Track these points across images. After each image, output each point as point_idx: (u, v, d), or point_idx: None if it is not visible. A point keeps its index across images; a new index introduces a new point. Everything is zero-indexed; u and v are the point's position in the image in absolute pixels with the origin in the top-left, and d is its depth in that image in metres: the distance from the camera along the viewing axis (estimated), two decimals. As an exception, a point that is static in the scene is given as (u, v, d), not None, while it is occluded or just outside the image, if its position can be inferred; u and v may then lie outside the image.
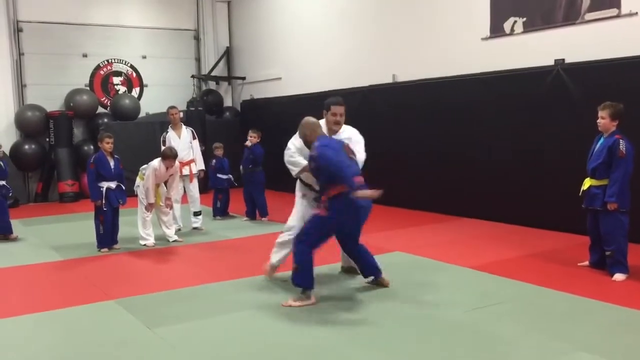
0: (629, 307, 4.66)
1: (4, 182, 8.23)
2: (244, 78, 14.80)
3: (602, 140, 5.62)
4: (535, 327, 4.30)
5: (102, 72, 13.79)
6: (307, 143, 5.10)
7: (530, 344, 4.00)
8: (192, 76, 14.34)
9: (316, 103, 11.47)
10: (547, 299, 4.99)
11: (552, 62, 7.69)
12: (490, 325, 4.39)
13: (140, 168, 7.70)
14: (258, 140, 9.32)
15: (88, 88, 13.51)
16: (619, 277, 5.43)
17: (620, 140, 5.40)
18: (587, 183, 5.68)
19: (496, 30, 8.50)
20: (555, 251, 6.66)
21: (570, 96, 7.45)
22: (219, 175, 9.62)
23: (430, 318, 4.57)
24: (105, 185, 7.19)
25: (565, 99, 7.51)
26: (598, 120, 5.61)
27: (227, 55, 15.17)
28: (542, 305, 4.82)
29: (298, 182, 5.54)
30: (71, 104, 12.88)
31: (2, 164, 8.29)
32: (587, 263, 5.89)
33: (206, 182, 10.10)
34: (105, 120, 13.06)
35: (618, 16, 7.11)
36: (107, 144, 7.28)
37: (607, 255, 5.54)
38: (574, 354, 3.81)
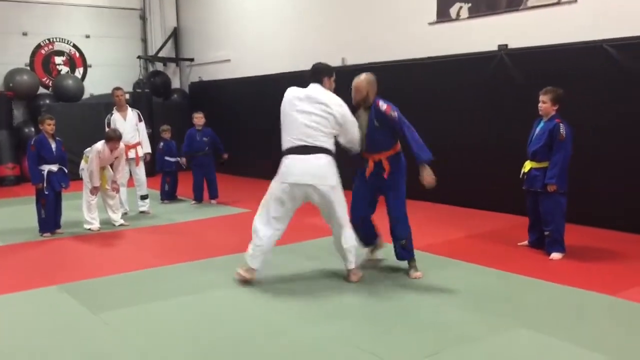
0: (565, 285, 4.86)
1: None
2: (192, 59, 14.55)
3: (542, 124, 5.81)
4: (476, 306, 4.45)
5: (43, 52, 13.32)
6: (364, 102, 5.18)
7: (471, 321, 4.14)
8: (139, 57, 14.01)
9: (266, 85, 11.52)
10: (487, 277, 5.16)
11: (496, 48, 7.88)
12: (432, 304, 4.51)
13: (85, 151, 7.51)
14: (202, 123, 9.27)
15: (28, 68, 13.03)
16: (555, 256, 5.66)
17: (561, 124, 5.60)
18: (528, 165, 5.87)
19: (442, 15, 8.62)
20: (495, 232, 6.88)
21: (513, 81, 7.65)
22: (167, 158, 9.49)
23: (371, 302, 4.66)
24: (46, 168, 6.98)
25: (508, 84, 7.72)
26: (539, 105, 5.79)
27: (175, 36, 14.87)
28: (483, 284, 4.98)
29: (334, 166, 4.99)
30: (11, 85, 12.41)
31: None
32: (526, 243, 6.12)
33: (153, 165, 9.95)
34: (47, 101, 12.64)
35: (559, 3, 7.32)
36: (49, 126, 7.06)
37: (546, 235, 5.76)
38: (514, 330, 3.96)
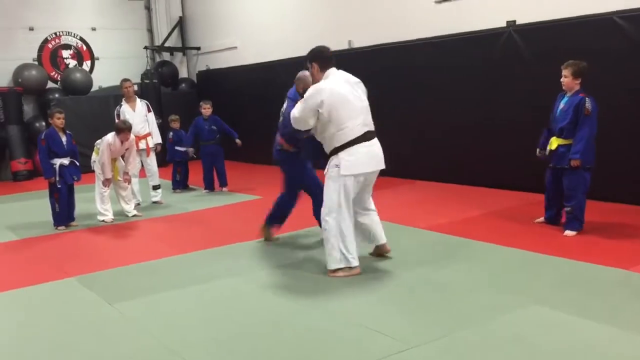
0: (580, 260, 4.83)
1: None
2: (198, 48, 14.52)
3: (565, 99, 5.67)
4: (490, 284, 4.44)
5: (50, 46, 13.35)
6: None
7: (485, 299, 4.13)
8: (145, 47, 13.99)
9: (273, 72, 11.47)
10: (502, 255, 5.14)
11: (504, 24, 7.78)
12: (446, 282, 4.50)
13: (96, 143, 7.55)
14: (210, 111, 9.26)
15: (36, 63, 13.08)
16: (569, 233, 5.61)
17: (586, 98, 5.47)
18: (555, 142, 5.71)
19: (449, -7, 8.52)
20: (509, 209, 6.83)
21: (523, 57, 7.56)
22: (177, 148, 9.51)
23: (387, 278, 4.66)
24: (58, 162, 7.02)
25: (517, 60, 7.62)
26: (562, 79, 5.66)
27: (180, 25, 14.83)
28: (497, 262, 4.97)
29: None
30: (19, 80, 12.46)
31: None
32: (542, 219, 6.06)
33: (164, 155, 9.98)
34: (57, 95, 12.69)
35: (567, -24, 7.20)
36: (58, 120, 7.09)
37: (567, 211, 5.69)
38: (528, 307, 3.95)
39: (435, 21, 8.68)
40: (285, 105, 5.48)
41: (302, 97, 4.88)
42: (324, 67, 4.80)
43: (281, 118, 5.52)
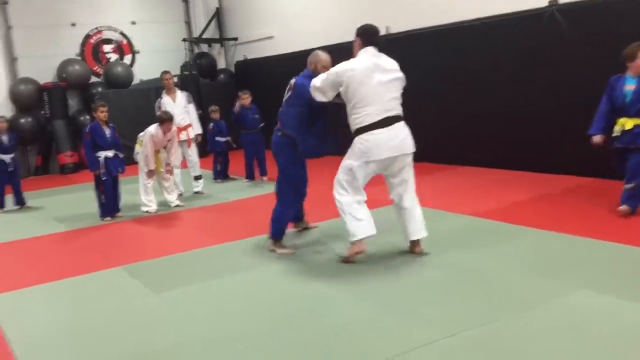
0: (632, 245, 4.68)
1: (5, 157, 8.32)
2: (236, 39, 14.60)
3: (630, 80, 5.54)
4: (537, 269, 4.36)
5: (92, 41, 13.63)
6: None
7: (531, 285, 4.06)
8: (184, 40, 14.15)
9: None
10: (550, 240, 5.03)
11: (546, 3, 7.56)
12: (491, 268, 4.44)
13: (139, 135, 7.68)
14: (249, 102, 9.28)
15: (79, 58, 13.37)
16: (625, 208, 5.48)
17: None
18: (630, 123, 5.53)
19: (489, -26, 8.33)
20: (554, 194, 6.68)
21: (565, 37, 7.35)
22: (218, 138, 9.61)
23: (429, 263, 4.63)
24: (102, 154, 7.18)
25: (560, 41, 7.41)
26: (633, 62, 5.50)
27: (218, 16, 14.92)
28: (545, 247, 4.87)
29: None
30: (64, 75, 12.78)
31: (5, 138, 8.36)
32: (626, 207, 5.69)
33: (205, 145, 10.09)
34: (99, 89, 12.96)
35: (612, -48, 6.95)
36: (102, 113, 7.24)
37: (627, 188, 5.54)
38: (576, 292, 3.87)
39: (474, 3, 8.50)
40: (289, 93, 5.30)
41: (315, 75, 4.96)
42: (364, 44, 4.74)
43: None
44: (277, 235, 5.36)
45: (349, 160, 4.72)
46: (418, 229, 4.87)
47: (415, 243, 4.92)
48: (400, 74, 4.78)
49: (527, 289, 4.00)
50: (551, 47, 7.53)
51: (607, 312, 3.55)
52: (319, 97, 4.80)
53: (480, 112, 8.56)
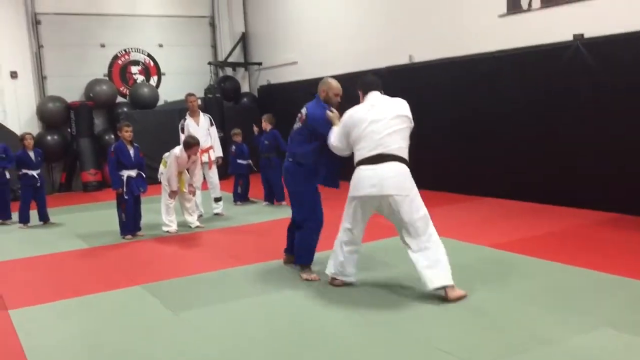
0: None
1: (33, 172, 8.48)
2: (260, 63, 14.80)
3: None
4: (559, 305, 4.30)
5: (120, 62, 13.90)
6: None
7: (554, 321, 4.00)
8: (209, 63, 14.38)
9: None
10: (571, 275, 4.98)
11: (571, 38, 7.58)
12: (512, 302, 4.40)
13: (164, 155, 7.78)
14: (272, 127, 9.35)
15: (107, 78, 13.63)
16: None
17: None
18: None
19: (513, 6, 8.38)
20: (576, 228, 6.62)
21: (590, 71, 7.34)
22: (239, 161, 9.70)
23: (448, 302, 4.59)
24: (126, 173, 7.29)
25: (585, 74, 7.41)
26: None
27: (243, 41, 15.17)
28: (567, 282, 4.81)
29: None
30: (91, 95, 13.03)
31: (32, 154, 8.55)
32: None
33: (226, 168, 10.18)
34: (125, 109, 13.19)
35: (638, -12, 6.97)
36: (127, 133, 7.37)
37: None
38: (600, 330, 3.81)
39: (498, 35, 8.55)
40: (299, 124, 5.30)
41: (324, 101, 5.16)
42: (365, 93, 4.89)
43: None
44: (305, 261, 5.36)
45: (349, 198, 4.82)
46: (432, 277, 4.45)
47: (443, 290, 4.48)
48: (401, 112, 4.69)
49: (547, 325, 3.95)
50: (575, 81, 7.53)
51: (630, 352, 3.48)
52: (343, 153, 4.93)
53: (500, 142, 8.54)
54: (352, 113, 4.78)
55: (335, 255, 4.95)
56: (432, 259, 4.49)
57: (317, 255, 5.36)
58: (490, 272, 5.21)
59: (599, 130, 7.21)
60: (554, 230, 6.55)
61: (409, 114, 4.74)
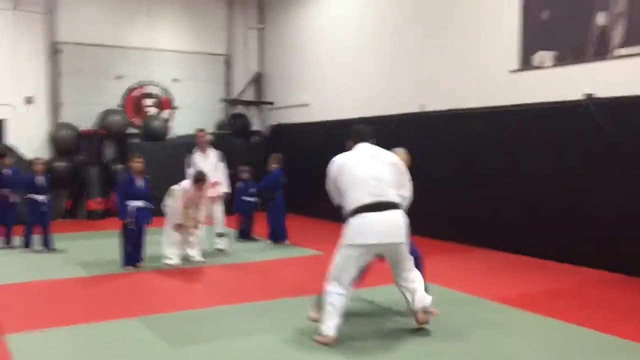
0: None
1: (39, 197, 8.54)
2: (272, 103, 14.98)
3: None
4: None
5: (134, 94, 14.09)
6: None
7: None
8: (222, 100, 14.55)
9: (342, 130, 11.63)
10: (571, 334, 4.93)
11: (580, 97, 7.67)
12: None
13: (171, 187, 7.81)
14: (277, 166, 9.40)
15: (121, 109, 13.80)
16: None
17: None
18: None
19: (525, 63, 8.51)
20: (579, 286, 6.57)
21: (599, 130, 7.41)
22: (244, 198, 9.72)
23: (453, 349, 4.54)
24: (133, 204, 7.32)
25: (594, 133, 7.47)
26: None
27: (257, 80, 15.39)
28: (570, 344, 4.75)
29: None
30: (103, 124, 13.16)
31: (40, 179, 8.61)
32: None
33: (231, 204, 10.20)
34: (135, 140, 13.30)
35: (648, 52, 7.09)
36: (136, 164, 7.43)
37: None
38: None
39: (509, 90, 8.66)
40: None
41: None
42: (354, 143, 4.98)
43: None
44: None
45: (341, 247, 4.73)
46: (420, 298, 4.86)
47: (416, 312, 4.86)
48: (393, 161, 4.86)
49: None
50: (584, 139, 7.59)
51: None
52: (334, 199, 4.96)
53: (508, 197, 8.55)
54: (337, 161, 4.85)
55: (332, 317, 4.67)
56: (419, 285, 4.91)
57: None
58: (494, 327, 5.14)
59: (609, 189, 7.22)
60: (559, 287, 6.48)
61: (401, 165, 4.92)
